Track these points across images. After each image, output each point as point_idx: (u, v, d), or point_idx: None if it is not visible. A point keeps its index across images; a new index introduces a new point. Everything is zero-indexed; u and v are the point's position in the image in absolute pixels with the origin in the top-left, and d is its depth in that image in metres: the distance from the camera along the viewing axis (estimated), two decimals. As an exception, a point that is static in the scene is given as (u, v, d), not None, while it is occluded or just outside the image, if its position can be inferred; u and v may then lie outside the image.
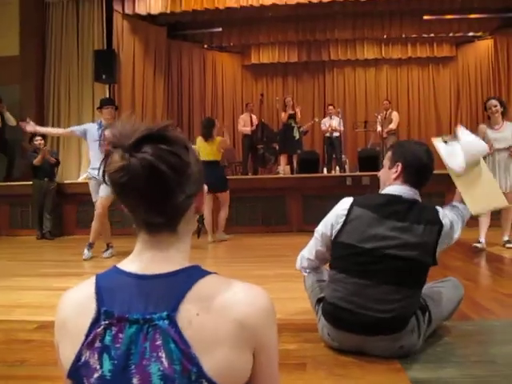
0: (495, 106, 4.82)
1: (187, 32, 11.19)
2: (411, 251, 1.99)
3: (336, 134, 9.19)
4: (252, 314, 0.80)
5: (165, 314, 0.76)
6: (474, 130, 7.12)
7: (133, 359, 0.75)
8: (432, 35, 11.41)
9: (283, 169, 8.60)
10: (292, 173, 8.45)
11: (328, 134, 9.30)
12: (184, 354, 0.74)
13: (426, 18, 10.54)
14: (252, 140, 9.06)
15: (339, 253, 2.13)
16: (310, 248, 2.33)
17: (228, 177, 6.60)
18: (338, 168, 8.98)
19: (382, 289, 1.98)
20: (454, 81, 12.20)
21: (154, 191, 0.79)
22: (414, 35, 11.37)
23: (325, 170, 9.57)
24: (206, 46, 11.72)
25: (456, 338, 2.27)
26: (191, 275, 0.82)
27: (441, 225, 2.05)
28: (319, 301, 2.26)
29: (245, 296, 0.81)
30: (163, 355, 0.74)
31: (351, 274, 2.04)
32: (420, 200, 2.16)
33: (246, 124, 9.25)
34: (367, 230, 2.03)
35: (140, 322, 0.77)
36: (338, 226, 2.12)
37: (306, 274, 2.45)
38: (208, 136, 5.93)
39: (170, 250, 0.85)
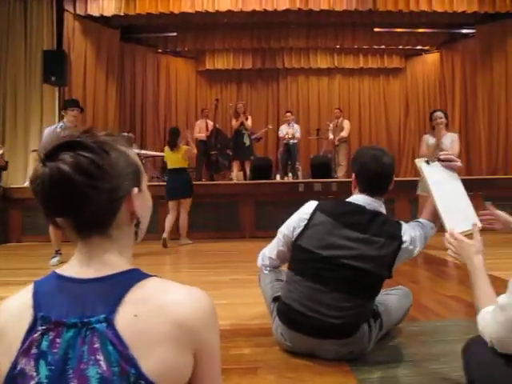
0: (440, 118, 5.16)
1: (141, 35, 11.05)
2: (367, 263, 2.00)
3: (294, 141, 9.30)
4: (191, 315, 0.80)
5: (102, 316, 0.76)
6: (420, 138, 7.46)
7: (70, 364, 0.74)
8: (383, 47, 11.79)
9: (236, 175, 8.63)
10: (245, 179, 8.49)
11: (286, 141, 9.39)
12: (122, 355, 0.74)
13: (376, 30, 10.89)
14: (207, 146, 9.04)
15: (298, 256, 2.15)
16: (272, 247, 2.33)
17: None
18: (290, 175, 9.09)
19: (334, 295, 2.00)
20: (403, 91, 12.64)
21: (67, 198, 0.79)
22: (365, 46, 11.70)
23: (277, 176, 9.67)
24: (160, 50, 11.61)
25: (403, 338, 2.34)
26: (130, 278, 0.82)
27: (401, 240, 2.04)
28: (275, 300, 2.27)
29: (184, 298, 0.82)
30: (101, 358, 0.74)
31: (307, 278, 2.06)
32: (384, 212, 2.16)
33: (201, 130, 9.21)
34: (327, 237, 2.04)
35: (78, 326, 0.76)
36: (299, 230, 2.13)
37: (266, 272, 2.45)
38: (173, 145, 6.16)
39: (106, 254, 0.85)
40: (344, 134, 9.53)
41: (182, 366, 0.79)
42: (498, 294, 2.92)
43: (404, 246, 2.05)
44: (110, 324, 0.76)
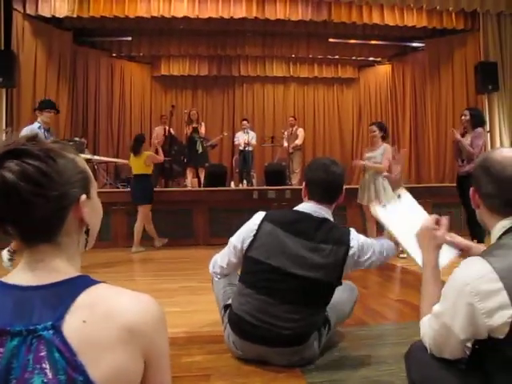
0: (374, 132, 5.41)
1: (95, 39, 10.83)
2: (316, 272, 1.99)
3: (249, 149, 9.33)
4: (140, 319, 0.80)
5: (49, 323, 0.75)
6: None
7: (14, 373, 0.72)
8: (337, 57, 12.04)
9: (190, 182, 8.57)
10: (199, 186, 8.45)
11: (241, 148, 9.40)
12: (69, 362, 0.73)
13: (331, 40, 11.15)
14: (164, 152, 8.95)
15: (249, 267, 2.12)
16: (223, 256, 2.26)
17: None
18: (245, 182, 9.12)
19: (284, 307, 2.00)
20: (356, 101, 12.97)
21: (13, 206, 0.78)
22: (320, 56, 11.92)
23: (232, 183, 9.68)
24: (114, 54, 11.40)
25: (352, 342, 2.39)
26: (78, 284, 0.81)
27: (348, 246, 2.02)
28: (226, 307, 2.26)
29: (133, 304, 0.82)
30: (47, 366, 0.72)
31: (257, 291, 2.04)
32: (331, 219, 2.16)
33: (158, 136, 9.11)
34: (275, 246, 2.02)
35: (23, 334, 0.74)
36: (249, 240, 2.10)
37: (216, 279, 2.42)
38: (136, 151, 6.23)
39: (54, 261, 0.84)
40: (298, 141, 9.67)
41: (132, 371, 0.79)
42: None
43: (351, 252, 2.04)
44: (58, 331, 0.75)
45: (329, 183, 2.12)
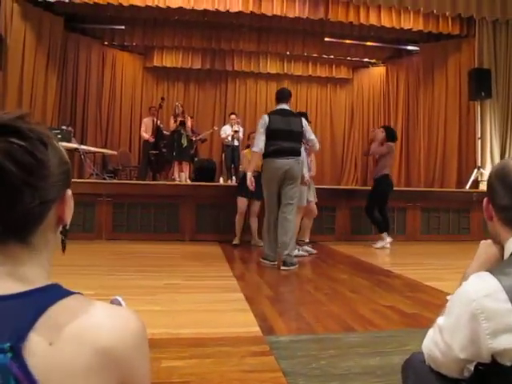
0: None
1: (87, 26, 10.63)
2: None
3: (236, 144, 9.21)
4: (117, 341, 0.67)
5: (7, 345, 0.60)
6: (363, 148, 7.62)
7: None
8: (332, 57, 11.99)
9: (179, 176, 8.44)
10: (190, 180, 8.32)
11: (228, 143, 9.27)
12: None
13: (326, 39, 11.07)
14: (150, 145, 8.79)
15: None
16: (258, 138, 4.12)
17: (121, 181, 6.34)
18: (234, 178, 9.00)
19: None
20: (349, 101, 12.92)
21: None
22: (315, 55, 11.85)
23: (221, 179, 9.55)
24: (106, 42, 11.21)
25: (340, 350, 2.30)
26: (46, 297, 0.67)
27: None
28: None
29: (109, 320, 0.68)
30: None
31: None
32: None
33: (147, 129, 8.95)
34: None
35: None
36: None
37: None
38: None
39: (22, 266, 0.70)
40: None
41: None
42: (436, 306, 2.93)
43: None
44: (17, 355, 0.60)
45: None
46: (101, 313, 0.69)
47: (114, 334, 0.67)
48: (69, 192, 0.76)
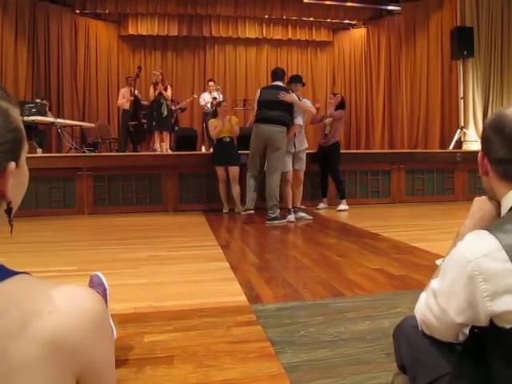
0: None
1: (56, -7, 10.20)
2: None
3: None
4: (69, 327, 0.57)
5: None
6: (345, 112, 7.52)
7: None
8: (311, 19, 11.72)
9: (159, 146, 8.25)
10: (171, 150, 8.15)
11: (208, 111, 9.06)
12: None
13: (306, 1, 10.78)
14: (129, 116, 8.55)
15: None
16: None
17: (101, 154, 6.17)
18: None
19: None
20: (330, 64, 12.72)
21: None
22: (294, 17, 11.58)
23: (203, 147, 9.39)
24: (77, 11, 10.77)
25: (328, 316, 2.25)
26: None
27: None
28: None
29: (60, 304, 0.58)
30: None
31: None
32: None
33: (125, 98, 8.68)
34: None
35: None
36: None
37: None
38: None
39: None
40: None
41: None
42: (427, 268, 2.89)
43: None
44: None
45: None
46: (51, 295, 0.58)
47: (65, 320, 0.57)
48: (12, 165, 0.63)
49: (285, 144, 5.38)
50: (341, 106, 6.68)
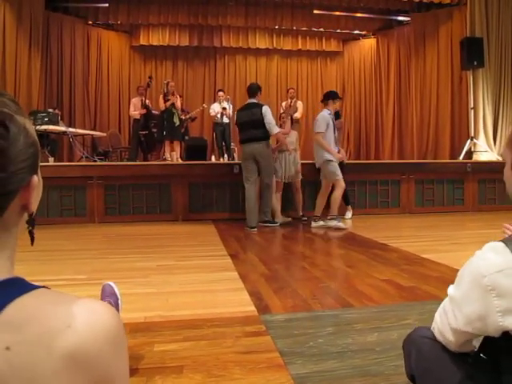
0: None
1: (69, 4, 10.36)
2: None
3: (226, 121, 9.05)
4: (87, 341, 0.58)
5: None
6: (355, 120, 7.51)
7: None
8: (321, 30, 11.78)
9: (170, 155, 8.32)
10: (181, 159, 8.20)
11: (218, 121, 9.11)
12: None
13: (315, 12, 10.86)
14: (140, 125, 8.64)
15: None
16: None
17: (112, 163, 6.22)
18: (226, 156, 8.88)
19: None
20: (340, 75, 12.75)
21: None
22: (304, 28, 11.64)
23: (213, 157, 9.43)
24: (90, 22, 10.94)
25: (337, 327, 2.25)
26: (6, 292, 0.58)
27: None
28: None
29: (78, 318, 0.59)
30: None
31: None
32: None
33: (136, 108, 8.78)
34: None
35: None
36: None
37: None
38: None
39: None
40: (298, 115, 8.76)
41: None
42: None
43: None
44: None
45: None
46: (68, 310, 0.59)
47: (84, 334, 0.58)
48: (35, 178, 0.65)
49: (271, 158, 5.94)
50: (337, 115, 6.80)
